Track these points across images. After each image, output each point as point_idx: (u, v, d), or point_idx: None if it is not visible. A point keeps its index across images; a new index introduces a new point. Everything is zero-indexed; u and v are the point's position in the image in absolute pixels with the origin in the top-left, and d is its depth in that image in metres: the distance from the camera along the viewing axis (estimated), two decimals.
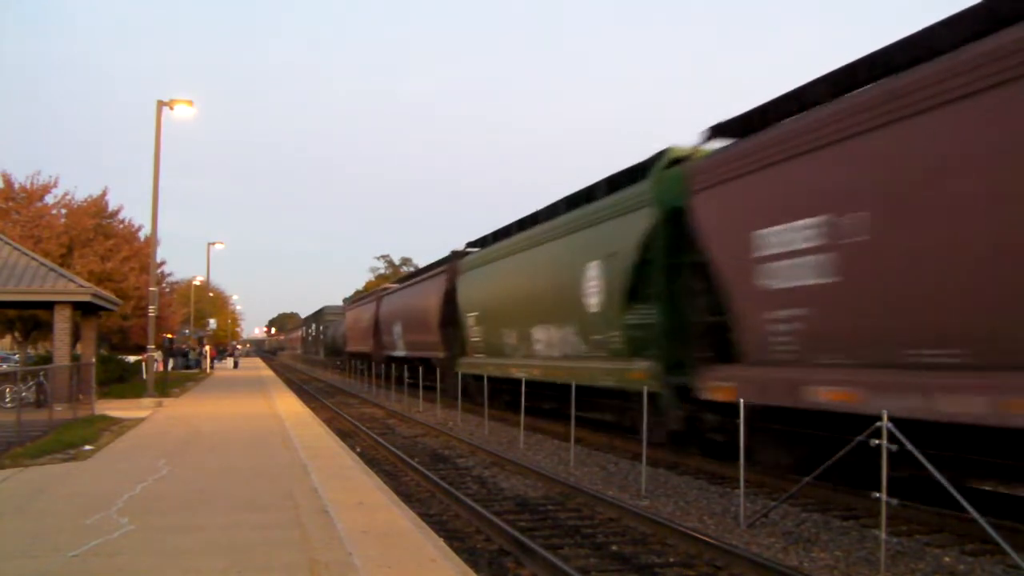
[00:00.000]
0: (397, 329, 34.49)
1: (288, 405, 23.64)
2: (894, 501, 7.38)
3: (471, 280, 24.05)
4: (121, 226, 36.46)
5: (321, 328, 72.01)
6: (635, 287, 13.76)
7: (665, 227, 13.04)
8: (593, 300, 15.10)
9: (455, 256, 27.31)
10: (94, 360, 23.38)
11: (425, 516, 9.20)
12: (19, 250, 22.81)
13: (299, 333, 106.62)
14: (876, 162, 8.57)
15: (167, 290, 47.91)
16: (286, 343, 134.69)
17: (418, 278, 33.63)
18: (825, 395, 9.21)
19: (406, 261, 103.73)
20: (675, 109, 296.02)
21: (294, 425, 17.39)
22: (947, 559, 7.68)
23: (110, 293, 27.13)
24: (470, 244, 26.22)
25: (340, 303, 76.74)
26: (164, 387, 28.68)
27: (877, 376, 8.59)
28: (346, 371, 47.91)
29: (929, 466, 7.05)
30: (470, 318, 23.66)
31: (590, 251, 15.39)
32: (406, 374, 31.44)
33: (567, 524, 9.38)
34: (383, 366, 34.96)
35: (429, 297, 28.85)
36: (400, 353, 33.76)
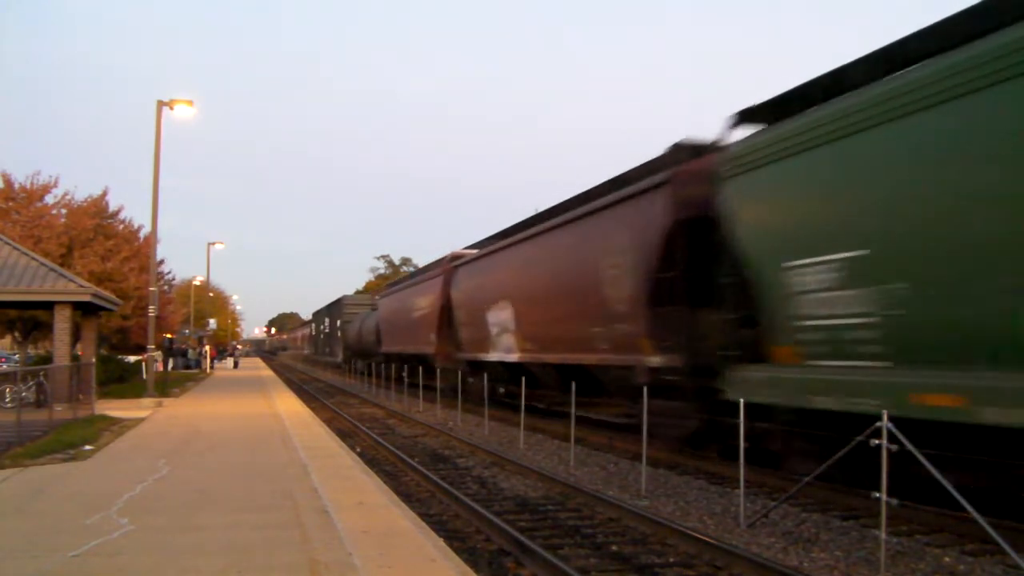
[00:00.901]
0: (500, 317, 20.57)
1: (288, 405, 23.63)
2: (894, 501, 7.38)
3: (806, 175, 9.77)
4: (121, 226, 36.47)
5: (339, 324, 55.36)
6: None
7: None
8: None
9: (682, 153, 13.13)
10: (94, 360, 23.37)
11: (425, 516, 9.19)
12: (19, 250, 22.80)
13: (305, 331, 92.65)
14: None
15: (167, 290, 47.92)
16: (288, 343, 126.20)
17: (568, 216, 17.06)
18: None
19: (406, 261, 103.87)
20: (675, 108, 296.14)
21: (294, 425, 17.39)
22: (947, 559, 7.68)
23: (110, 293, 27.12)
24: (749, 111, 11.51)
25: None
26: (164, 387, 28.68)
27: None
28: (377, 379, 33.99)
29: (929, 466, 7.05)
30: (808, 270, 9.52)
31: None
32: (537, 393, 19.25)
33: (567, 524, 9.37)
34: (467, 379, 23.96)
35: (606, 246, 14.81)
36: (507, 357, 20.26)
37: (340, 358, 52.87)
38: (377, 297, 46.96)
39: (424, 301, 29.29)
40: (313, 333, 77.36)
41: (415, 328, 30.46)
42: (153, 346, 26.67)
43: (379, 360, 36.68)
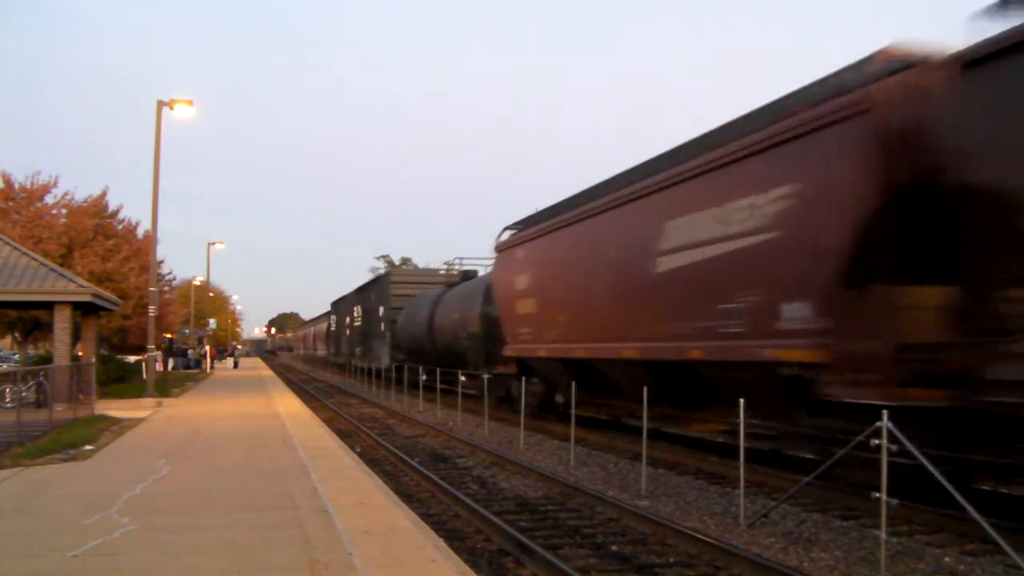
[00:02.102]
0: None
1: (288, 405, 23.62)
2: (894, 501, 7.38)
3: None
4: (121, 226, 36.47)
5: (381, 312, 37.37)
6: None
7: None
8: None
9: None
10: (94, 360, 23.37)
11: (425, 516, 9.20)
12: (19, 250, 22.81)
13: (319, 327, 72.28)
14: None
15: (167, 289, 47.91)
16: (294, 342, 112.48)
17: None
18: None
19: (406, 261, 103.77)
20: (674, 109, 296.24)
21: (294, 425, 17.38)
22: (947, 559, 7.68)
23: (110, 293, 27.13)
24: None
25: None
26: (164, 387, 28.68)
27: None
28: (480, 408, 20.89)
29: (929, 466, 7.05)
30: None
31: None
32: None
33: (567, 524, 9.38)
34: None
35: None
36: None
37: (386, 363, 35.28)
38: (494, 252, 22.37)
39: (726, 222, 11.26)
40: (333, 328, 58.96)
41: (669, 298, 12.86)
42: (153, 346, 26.66)
43: (483, 372, 21.86)
